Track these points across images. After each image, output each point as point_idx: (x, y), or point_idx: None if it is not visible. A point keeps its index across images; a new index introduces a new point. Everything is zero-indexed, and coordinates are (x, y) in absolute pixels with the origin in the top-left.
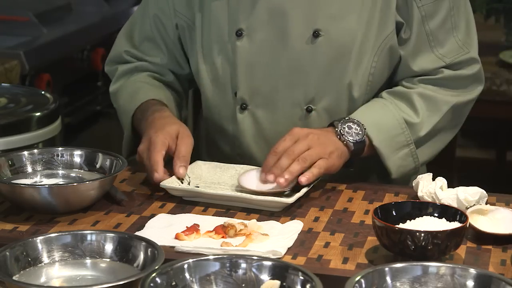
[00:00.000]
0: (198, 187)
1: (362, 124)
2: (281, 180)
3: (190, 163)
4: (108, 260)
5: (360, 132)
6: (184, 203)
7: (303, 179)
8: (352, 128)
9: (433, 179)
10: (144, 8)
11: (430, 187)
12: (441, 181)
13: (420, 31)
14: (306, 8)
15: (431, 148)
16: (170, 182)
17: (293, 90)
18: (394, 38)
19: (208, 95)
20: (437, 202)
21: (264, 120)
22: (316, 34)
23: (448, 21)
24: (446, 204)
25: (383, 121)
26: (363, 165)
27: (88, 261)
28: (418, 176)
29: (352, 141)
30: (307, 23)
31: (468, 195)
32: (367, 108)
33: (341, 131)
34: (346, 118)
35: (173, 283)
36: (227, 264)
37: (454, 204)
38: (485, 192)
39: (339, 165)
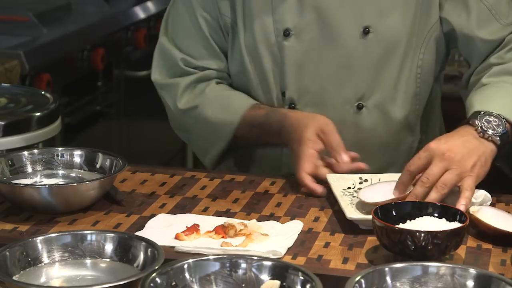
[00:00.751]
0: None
1: (498, 114)
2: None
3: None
4: (108, 260)
5: (500, 123)
6: (184, 202)
7: (461, 207)
8: (491, 121)
9: None
10: (186, 14)
11: None
12: None
13: (480, 7)
14: (354, 5)
15: None
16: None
17: (343, 88)
18: (439, 28)
19: (256, 96)
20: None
21: None
22: (366, 31)
23: None
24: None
25: (509, 99)
26: None
27: (88, 261)
28: None
29: (497, 135)
30: (355, 20)
31: None
32: (485, 95)
33: (483, 127)
34: (482, 113)
35: (173, 283)
36: (227, 264)
37: None
38: (489, 195)
39: (486, 170)
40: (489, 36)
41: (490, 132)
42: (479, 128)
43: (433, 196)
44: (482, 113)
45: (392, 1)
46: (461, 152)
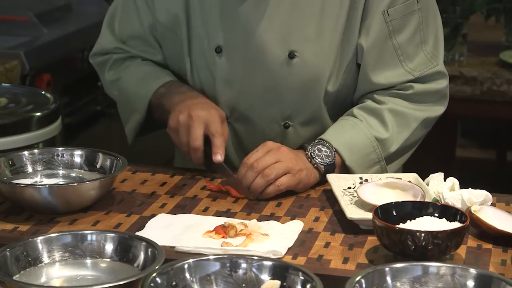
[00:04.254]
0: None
1: (332, 146)
2: (250, 196)
3: None
4: (108, 260)
5: (330, 155)
6: (184, 202)
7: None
8: (322, 150)
9: (444, 179)
10: (127, 2)
11: (440, 186)
12: (452, 181)
13: (387, 45)
14: (282, 29)
15: (399, 162)
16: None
17: (270, 107)
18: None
19: None
20: (442, 201)
21: (243, 133)
22: (291, 56)
23: (418, 35)
24: (450, 204)
25: (355, 141)
26: None
27: (89, 261)
28: (430, 175)
29: (322, 163)
30: (282, 45)
31: (472, 196)
32: (338, 128)
33: (312, 154)
34: (316, 141)
35: (174, 283)
36: (228, 264)
37: (458, 205)
38: (490, 195)
39: (308, 183)
40: (385, 81)
41: (316, 159)
42: (309, 154)
43: (258, 182)
44: (317, 141)
45: (319, 27)
46: (293, 155)
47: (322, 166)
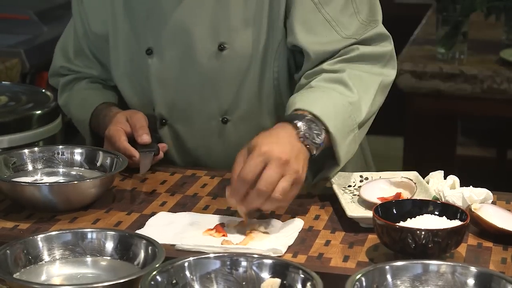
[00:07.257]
0: None
1: (321, 122)
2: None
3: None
4: (108, 258)
5: (320, 133)
6: (184, 201)
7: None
8: (312, 128)
9: (445, 177)
10: (72, 25)
11: (440, 184)
12: (452, 179)
13: (317, 18)
14: (209, 23)
15: (364, 131)
16: None
17: (207, 103)
18: (285, 42)
19: (136, 108)
20: (443, 199)
21: (183, 133)
22: (221, 48)
23: (350, 6)
24: (451, 202)
25: (331, 106)
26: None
27: (89, 259)
28: (430, 173)
29: (315, 145)
30: (211, 38)
31: (473, 194)
32: (310, 96)
33: (305, 134)
34: (307, 117)
35: (174, 281)
36: (228, 262)
37: (459, 203)
38: (491, 193)
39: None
40: (324, 48)
41: (309, 141)
42: (302, 133)
43: (268, 206)
44: (307, 117)
45: (244, 17)
46: (292, 156)
47: (315, 149)
